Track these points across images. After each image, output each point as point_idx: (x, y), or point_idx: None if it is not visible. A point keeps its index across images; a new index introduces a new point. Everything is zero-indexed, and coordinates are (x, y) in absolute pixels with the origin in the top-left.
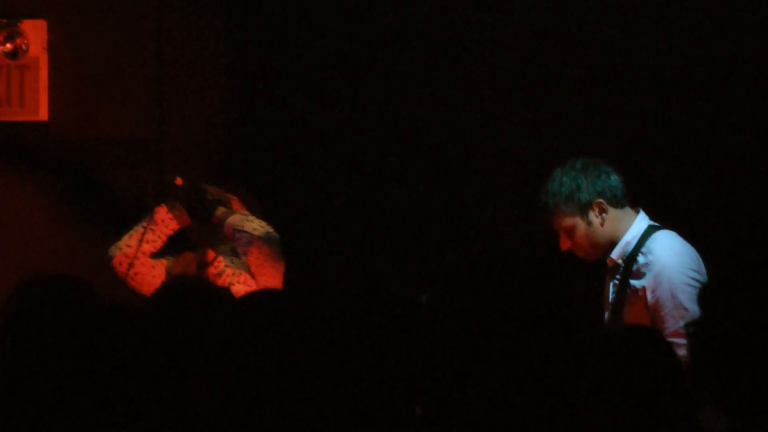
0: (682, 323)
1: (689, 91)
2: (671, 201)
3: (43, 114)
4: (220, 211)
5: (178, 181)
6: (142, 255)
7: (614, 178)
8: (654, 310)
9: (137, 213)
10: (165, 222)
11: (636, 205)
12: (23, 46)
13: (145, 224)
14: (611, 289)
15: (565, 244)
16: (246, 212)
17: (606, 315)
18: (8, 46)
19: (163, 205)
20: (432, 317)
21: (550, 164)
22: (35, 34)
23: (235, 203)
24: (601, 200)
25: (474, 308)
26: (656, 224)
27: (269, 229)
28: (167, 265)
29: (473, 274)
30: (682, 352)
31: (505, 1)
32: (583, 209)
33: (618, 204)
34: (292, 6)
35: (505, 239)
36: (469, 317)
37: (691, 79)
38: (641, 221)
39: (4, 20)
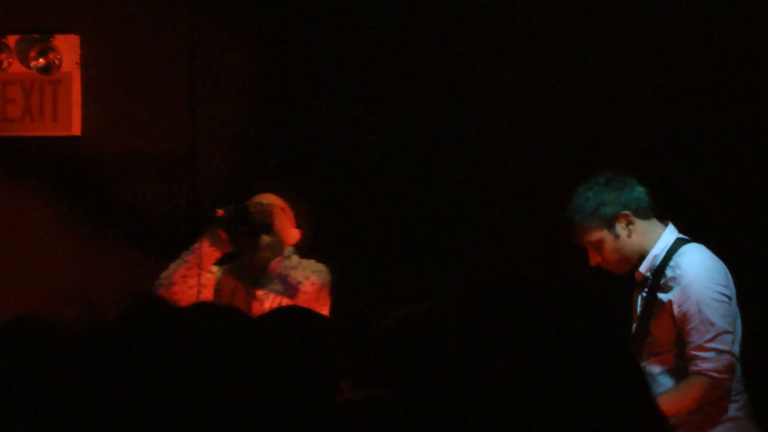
0: (707, 337)
1: (719, 103)
2: (700, 214)
3: (75, 129)
4: (265, 241)
5: (219, 212)
6: (188, 289)
7: (639, 190)
8: (680, 324)
9: (169, 227)
10: (208, 255)
11: (664, 218)
12: (56, 62)
13: (188, 258)
14: (639, 302)
15: (594, 260)
16: (291, 255)
17: (633, 328)
18: (41, 61)
19: (205, 239)
20: (464, 337)
21: (579, 176)
22: (68, 49)
23: (277, 211)
24: (626, 212)
25: (508, 327)
26: (685, 237)
27: (318, 270)
28: (216, 279)
29: (506, 292)
30: (705, 365)
31: (535, 11)
32: (610, 222)
33: (644, 215)
34: (324, 20)
35: (530, 255)
36: (503, 336)
37: (721, 90)
38: (669, 234)
39: (37, 36)
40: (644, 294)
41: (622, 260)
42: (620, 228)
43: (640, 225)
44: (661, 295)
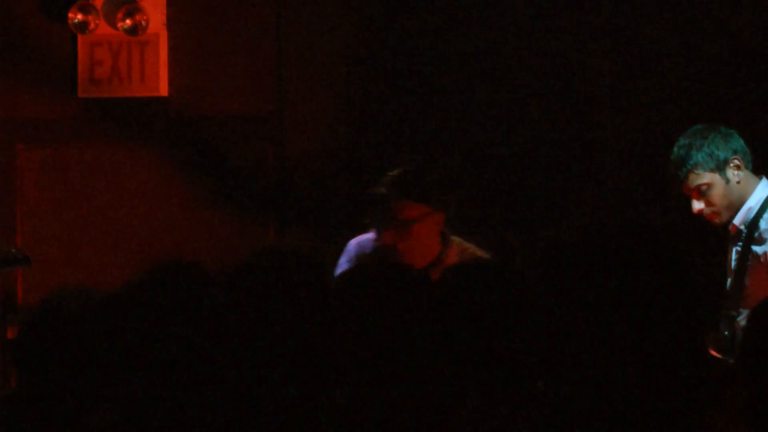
0: None
1: None
2: None
3: (163, 90)
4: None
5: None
6: None
7: (741, 140)
8: None
9: (257, 188)
10: None
11: (760, 171)
12: (143, 23)
13: None
14: (733, 256)
15: (697, 207)
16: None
17: (728, 282)
18: (128, 22)
19: None
20: (547, 289)
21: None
22: (154, 10)
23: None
24: (737, 157)
25: (591, 280)
26: None
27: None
28: None
29: (588, 244)
30: None
31: None
32: (722, 166)
33: (748, 165)
34: None
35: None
36: (586, 289)
37: None
38: (764, 188)
39: None
40: (738, 247)
41: (728, 206)
42: (731, 173)
43: (746, 173)
44: (756, 248)
